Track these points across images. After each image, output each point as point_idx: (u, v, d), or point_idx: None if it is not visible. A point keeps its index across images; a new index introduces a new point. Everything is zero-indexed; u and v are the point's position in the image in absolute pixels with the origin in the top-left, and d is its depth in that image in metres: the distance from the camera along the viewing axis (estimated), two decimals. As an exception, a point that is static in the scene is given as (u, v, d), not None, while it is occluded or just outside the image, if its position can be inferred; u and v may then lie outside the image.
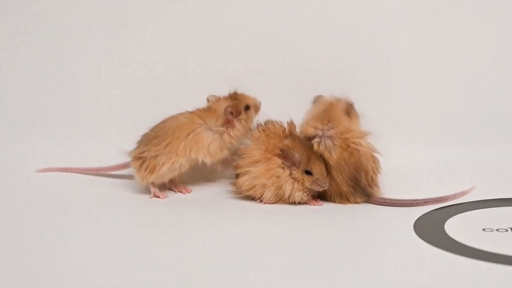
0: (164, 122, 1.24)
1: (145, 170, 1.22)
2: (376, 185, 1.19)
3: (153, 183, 1.22)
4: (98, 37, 1.37)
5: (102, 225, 1.12)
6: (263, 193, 1.18)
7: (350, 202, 1.18)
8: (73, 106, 1.39)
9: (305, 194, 1.17)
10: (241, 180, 1.19)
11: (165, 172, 1.22)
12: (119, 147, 1.24)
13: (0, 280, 0.92)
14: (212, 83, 1.36)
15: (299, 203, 1.18)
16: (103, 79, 1.38)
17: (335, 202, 1.19)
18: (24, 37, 1.38)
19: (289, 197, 1.17)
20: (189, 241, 1.05)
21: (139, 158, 1.22)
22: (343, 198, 1.18)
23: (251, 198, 1.20)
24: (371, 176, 1.18)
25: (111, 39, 1.37)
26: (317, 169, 1.16)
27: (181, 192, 1.26)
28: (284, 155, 1.16)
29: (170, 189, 1.26)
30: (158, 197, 1.22)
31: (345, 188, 1.17)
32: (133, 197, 1.24)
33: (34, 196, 1.23)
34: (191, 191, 1.27)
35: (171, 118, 1.24)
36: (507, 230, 1.06)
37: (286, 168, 1.17)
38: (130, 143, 1.24)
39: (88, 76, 1.39)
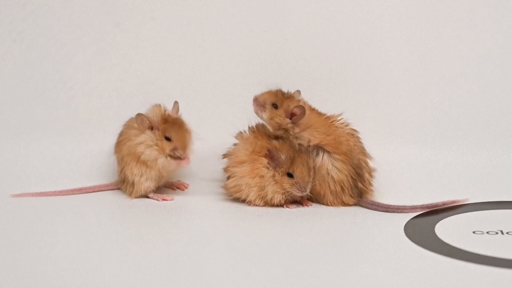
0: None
1: (128, 186, 1.23)
2: (372, 185, 1.21)
3: (146, 194, 1.23)
4: (90, 37, 1.37)
5: (94, 230, 1.12)
6: (249, 193, 1.18)
7: (343, 203, 1.19)
8: (65, 107, 1.38)
9: (284, 196, 1.17)
10: (229, 181, 1.20)
11: (144, 181, 1.22)
12: (84, 146, 1.29)
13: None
14: (205, 84, 1.36)
15: (278, 205, 1.18)
16: (95, 80, 1.38)
17: (327, 203, 1.19)
18: (17, 38, 1.38)
19: (270, 199, 1.18)
20: (179, 243, 1.05)
21: (123, 180, 1.24)
22: (336, 197, 1.19)
23: (242, 200, 1.20)
24: (369, 173, 1.20)
25: (104, 40, 1.37)
26: (299, 173, 1.16)
27: (179, 188, 1.27)
28: (270, 155, 1.17)
29: (169, 188, 1.28)
30: (166, 199, 1.23)
31: (346, 179, 1.18)
32: (120, 203, 1.23)
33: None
34: (188, 185, 1.27)
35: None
36: (497, 233, 1.06)
37: (271, 169, 1.17)
38: (96, 143, 1.28)
39: (80, 76, 1.38)
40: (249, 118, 1.25)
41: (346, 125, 1.22)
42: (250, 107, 1.25)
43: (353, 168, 1.19)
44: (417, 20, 1.34)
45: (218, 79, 1.36)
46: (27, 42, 1.38)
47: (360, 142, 1.22)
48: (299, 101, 1.21)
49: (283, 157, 1.16)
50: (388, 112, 1.35)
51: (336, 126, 1.21)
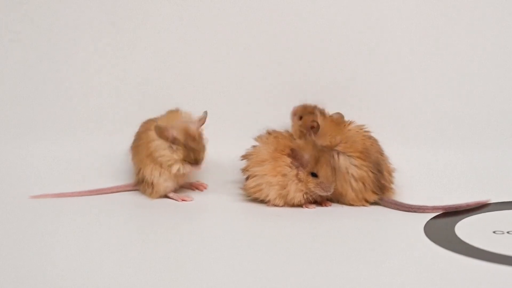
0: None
1: (147, 187, 1.24)
2: (392, 183, 1.21)
3: (166, 194, 1.24)
4: (87, 37, 1.37)
5: (114, 231, 1.12)
6: (269, 192, 1.18)
7: (365, 200, 1.19)
8: (63, 108, 1.38)
9: (305, 196, 1.18)
10: (249, 181, 1.20)
11: (163, 182, 1.23)
12: (110, 148, 1.30)
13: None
14: (204, 84, 1.36)
15: (298, 205, 1.19)
16: (92, 80, 1.38)
17: (348, 202, 1.20)
18: (13, 37, 1.38)
19: (292, 198, 1.18)
20: (199, 243, 1.06)
21: (141, 180, 1.24)
22: (358, 195, 1.19)
23: (261, 201, 1.20)
24: (388, 171, 1.21)
25: (101, 39, 1.37)
26: (323, 172, 1.16)
27: (198, 189, 1.28)
28: (293, 154, 1.17)
29: (188, 188, 1.29)
30: (185, 200, 1.23)
31: (366, 174, 1.18)
32: (138, 203, 1.24)
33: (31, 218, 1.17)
34: (207, 186, 1.29)
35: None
36: (517, 233, 1.06)
37: (294, 168, 1.17)
38: (122, 144, 1.27)
39: (78, 76, 1.38)
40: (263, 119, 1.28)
41: (361, 129, 1.23)
42: (264, 108, 1.30)
43: (372, 164, 1.19)
44: (422, 22, 1.34)
45: (214, 79, 1.37)
46: (22, 42, 1.38)
47: (378, 144, 1.22)
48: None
49: (306, 156, 1.16)
50: (404, 113, 1.35)
51: (348, 129, 1.22)
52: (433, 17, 1.34)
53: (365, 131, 1.23)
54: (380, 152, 1.22)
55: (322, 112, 1.25)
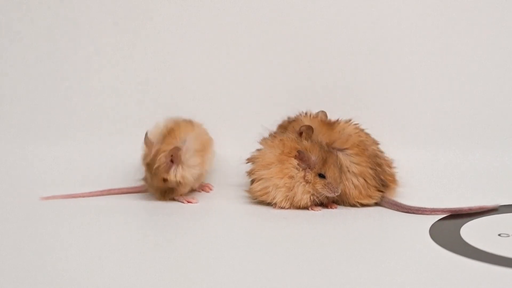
0: None
1: (166, 193, 1.25)
2: (394, 177, 1.22)
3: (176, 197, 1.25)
4: (88, 37, 1.37)
5: (120, 232, 1.13)
6: (276, 195, 1.19)
7: (369, 197, 1.20)
8: (66, 109, 1.38)
9: (311, 198, 1.18)
10: (255, 185, 1.21)
11: (184, 185, 1.24)
12: (112, 149, 1.31)
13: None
14: (206, 86, 1.37)
15: (304, 207, 1.19)
16: (94, 80, 1.38)
17: (353, 200, 1.20)
18: (13, 37, 1.38)
19: (299, 200, 1.18)
20: (205, 244, 1.06)
21: (157, 188, 1.25)
22: (361, 192, 1.19)
23: (266, 203, 1.20)
24: (388, 165, 1.22)
25: (101, 40, 1.37)
26: (331, 173, 1.17)
27: (204, 190, 1.30)
28: (300, 156, 1.18)
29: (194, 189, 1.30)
30: (191, 202, 1.24)
31: (365, 170, 1.19)
32: (145, 206, 1.24)
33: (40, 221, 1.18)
34: (213, 188, 1.31)
35: None
36: (522, 236, 1.07)
37: (301, 170, 1.18)
38: (124, 145, 1.28)
39: (79, 77, 1.38)
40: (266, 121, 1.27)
41: (349, 123, 1.24)
42: (267, 110, 1.31)
43: (370, 158, 1.20)
44: (423, 22, 1.34)
45: (224, 81, 1.37)
46: (22, 42, 1.37)
47: (371, 137, 1.23)
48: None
49: (313, 158, 1.17)
50: (405, 114, 1.36)
51: (340, 126, 1.23)
52: (434, 18, 1.34)
53: (355, 124, 1.23)
54: (376, 143, 1.23)
55: (306, 114, 1.26)
